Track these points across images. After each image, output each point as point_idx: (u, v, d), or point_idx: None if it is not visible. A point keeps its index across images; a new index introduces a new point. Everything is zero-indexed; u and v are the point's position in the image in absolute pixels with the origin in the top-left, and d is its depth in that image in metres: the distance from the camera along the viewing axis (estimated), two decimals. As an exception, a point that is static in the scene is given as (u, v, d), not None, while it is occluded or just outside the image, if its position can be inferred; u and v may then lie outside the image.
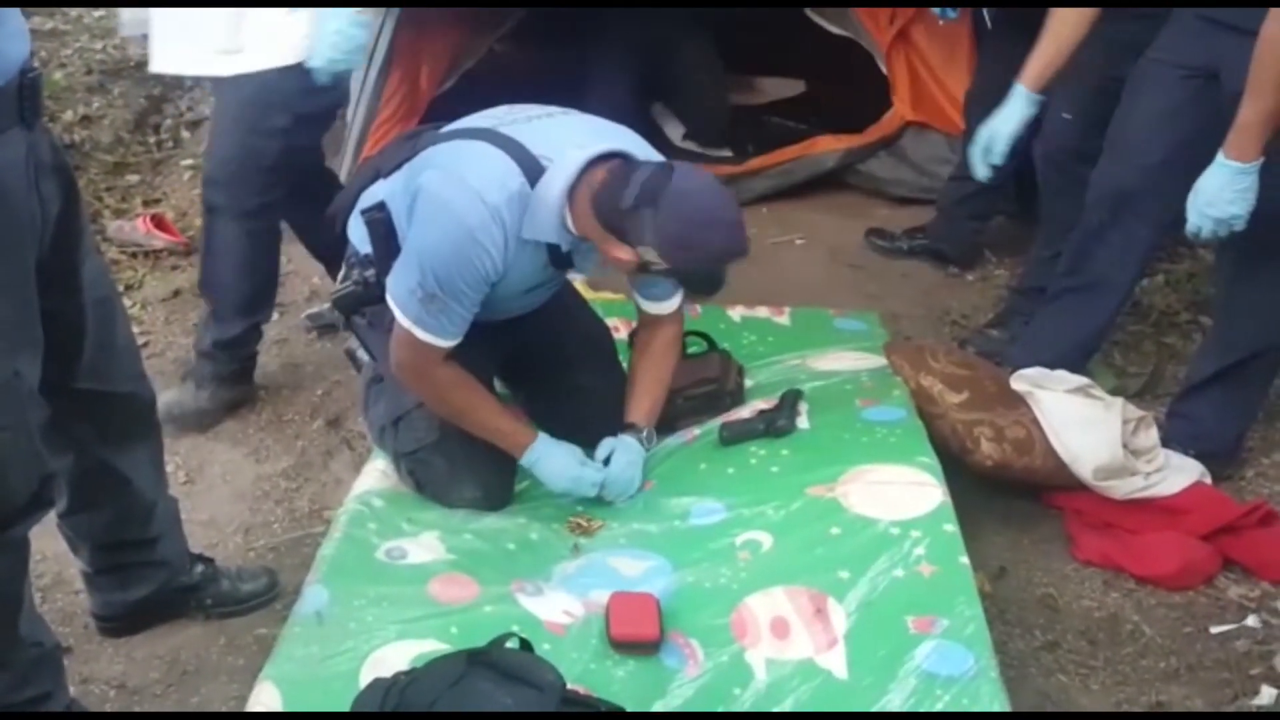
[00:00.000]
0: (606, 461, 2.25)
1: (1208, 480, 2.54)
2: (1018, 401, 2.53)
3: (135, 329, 3.17)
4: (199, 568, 2.28)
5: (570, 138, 2.10)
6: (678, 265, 2.01)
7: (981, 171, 2.72)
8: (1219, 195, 2.29)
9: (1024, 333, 2.96)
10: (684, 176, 2.04)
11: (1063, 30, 2.54)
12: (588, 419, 2.33)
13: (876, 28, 3.86)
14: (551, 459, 2.24)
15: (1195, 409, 2.63)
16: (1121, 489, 2.47)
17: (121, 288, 3.42)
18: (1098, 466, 2.44)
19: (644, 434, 2.31)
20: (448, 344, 2.10)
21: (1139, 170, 2.47)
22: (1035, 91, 2.61)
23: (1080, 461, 2.44)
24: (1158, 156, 2.48)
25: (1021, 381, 2.55)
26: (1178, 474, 2.50)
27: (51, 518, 2.12)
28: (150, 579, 2.21)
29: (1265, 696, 2.13)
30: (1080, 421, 2.46)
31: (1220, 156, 2.28)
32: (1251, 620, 2.30)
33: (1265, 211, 2.33)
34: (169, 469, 2.52)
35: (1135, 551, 2.41)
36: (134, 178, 4.13)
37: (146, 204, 3.97)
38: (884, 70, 3.90)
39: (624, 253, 2.02)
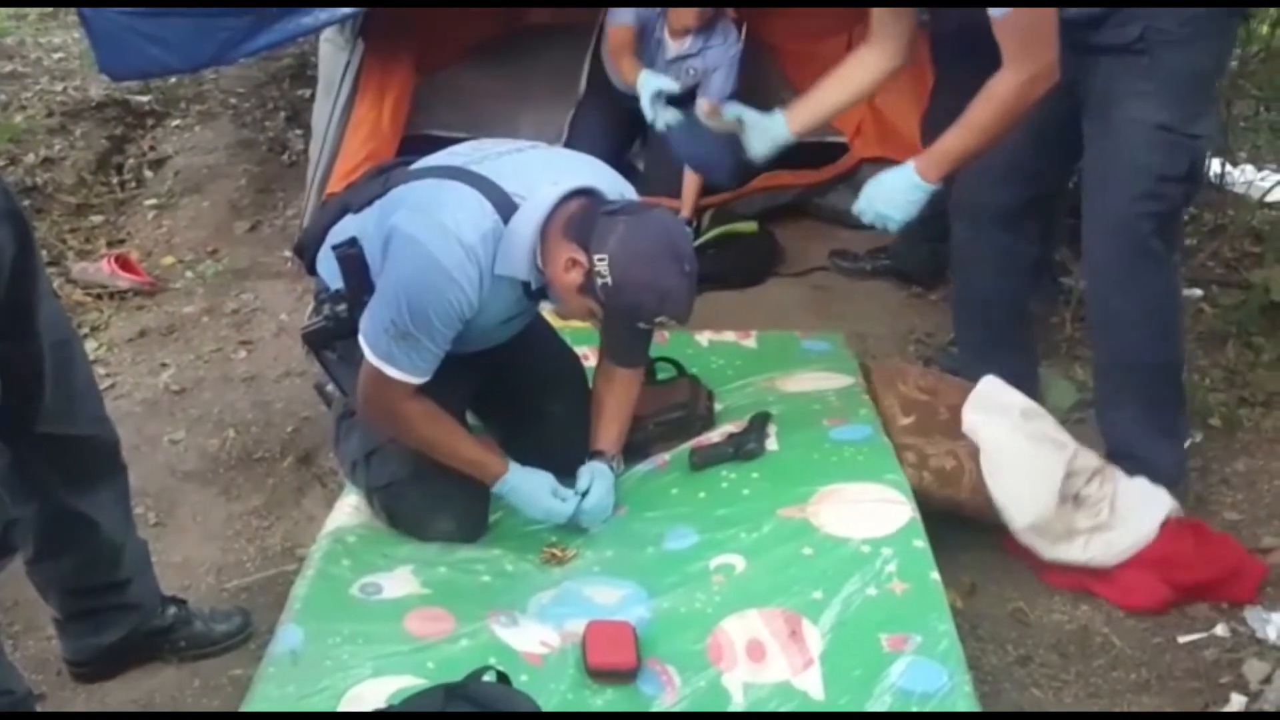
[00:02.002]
0: (585, 491, 2.26)
1: (1177, 513, 2.45)
2: (964, 436, 2.48)
3: (101, 370, 3.19)
4: (171, 609, 2.26)
5: (543, 173, 2.13)
6: (621, 286, 2.02)
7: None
8: (891, 195, 2.39)
9: (959, 343, 2.97)
10: (667, 214, 2.15)
11: (827, 95, 2.61)
12: (560, 447, 2.34)
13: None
14: (524, 488, 2.25)
15: (1138, 446, 2.55)
16: (1048, 551, 2.39)
17: (87, 329, 3.43)
18: (1021, 526, 2.39)
19: (612, 460, 2.33)
20: (417, 381, 2.10)
21: (1004, 185, 2.59)
22: (792, 127, 2.58)
23: (1008, 511, 2.39)
24: (1022, 169, 2.58)
25: (976, 411, 2.50)
26: (1123, 530, 2.41)
27: (21, 564, 2.11)
28: (122, 622, 2.19)
29: (1235, 704, 2.15)
30: (1019, 468, 2.40)
31: (910, 164, 2.37)
32: (1219, 629, 2.32)
33: (1115, 217, 2.40)
34: (138, 511, 2.51)
35: (1111, 581, 2.39)
36: (97, 218, 4.13)
37: (111, 244, 3.97)
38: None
39: (577, 255, 2.03)
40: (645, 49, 3.72)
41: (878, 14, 2.52)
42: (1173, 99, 2.34)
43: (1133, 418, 2.58)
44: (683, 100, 3.70)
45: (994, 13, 2.19)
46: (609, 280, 2.02)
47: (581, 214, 2.06)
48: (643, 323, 2.12)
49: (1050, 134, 2.47)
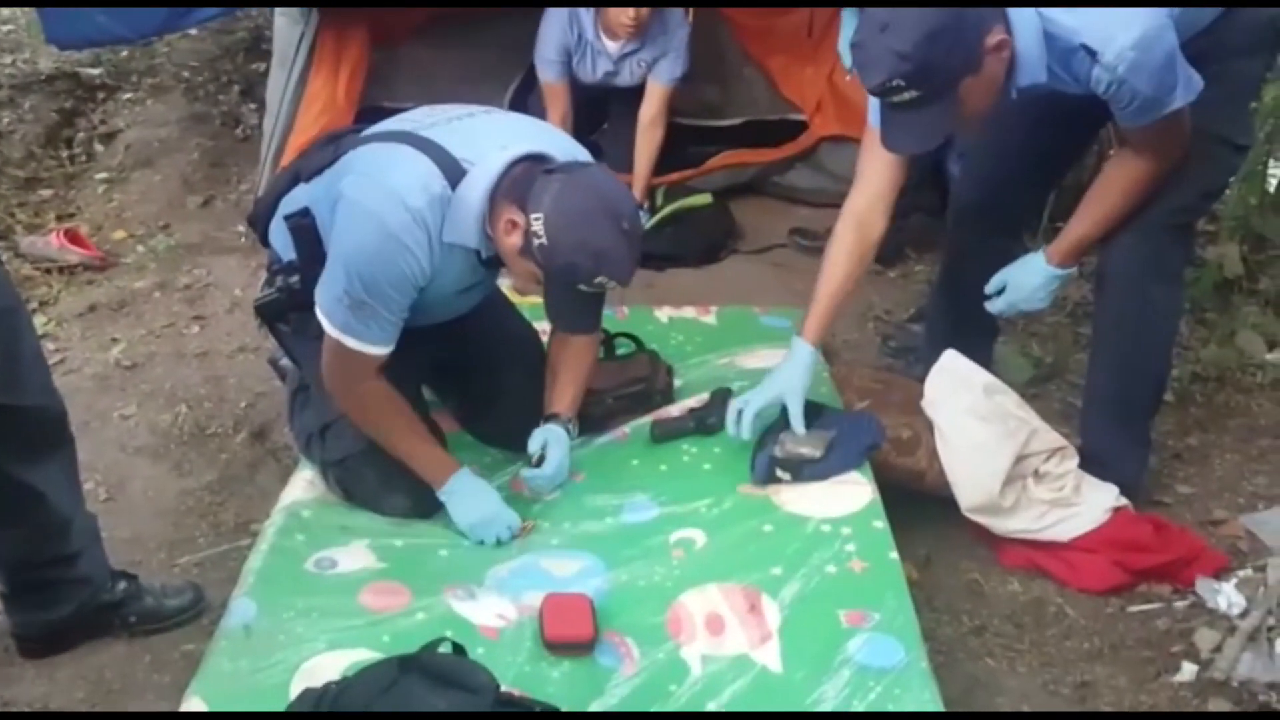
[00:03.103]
0: (540, 460, 2.23)
1: (1124, 502, 2.45)
2: (918, 411, 2.49)
3: (50, 345, 3.14)
4: (121, 584, 2.23)
5: (492, 138, 2.10)
6: (556, 245, 1.96)
7: (738, 430, 2.32)
8: (1034, 294, 2.42)
9: (926, 326, 2.98)
10: (607, 174, 2.09)
11: (836, 293, 2.38)
12: (517, 422, 2.32)
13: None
14: (465, 499, 2.18)
15: (1110, 454, 2.54)
16: (999, 527, 2.42)
17: (36, 304, 3.37)
18: (965, 508, 2.41)
19: (568, 424, 2.30)
20: (378, 351, 2.07)
21: (990, 185, 2.56)
22: (816, 345, 2.39)
23: (955, 490, 2.41)
24: (1005, 169, 2.55)
25: (937, 385, 2.49)
26: (1086, 510, 2.42)
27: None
28: (71, 597, 2.16)
29: (1186, 673, 2.18)
30: (966, 451, 2.40)
31: (1042, 260, 2.39)
32: (1171, 599, 2.36)
33: (1147, 226, 2.33)
34: (88, 486, 2.48)
35: (1065, 562, 2.41)
36: (47, 192, 4.06)
37: (60, 218, 3.90)
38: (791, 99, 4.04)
39: (515, 216, 1.98)
40: (582, 57, 3.66)
41: (866, 155, 2.37)
42: (1230, 107, 2.28)
43: (1111, 424, 2.57)
44: (629, 94, 3.71)
45: (1129, 122, 2.13)
46: (544, 240, 1.96)
47: (524, 176, 2.02)
48: (582, 284, 2.02)
49: (1075, 140, 2.45)
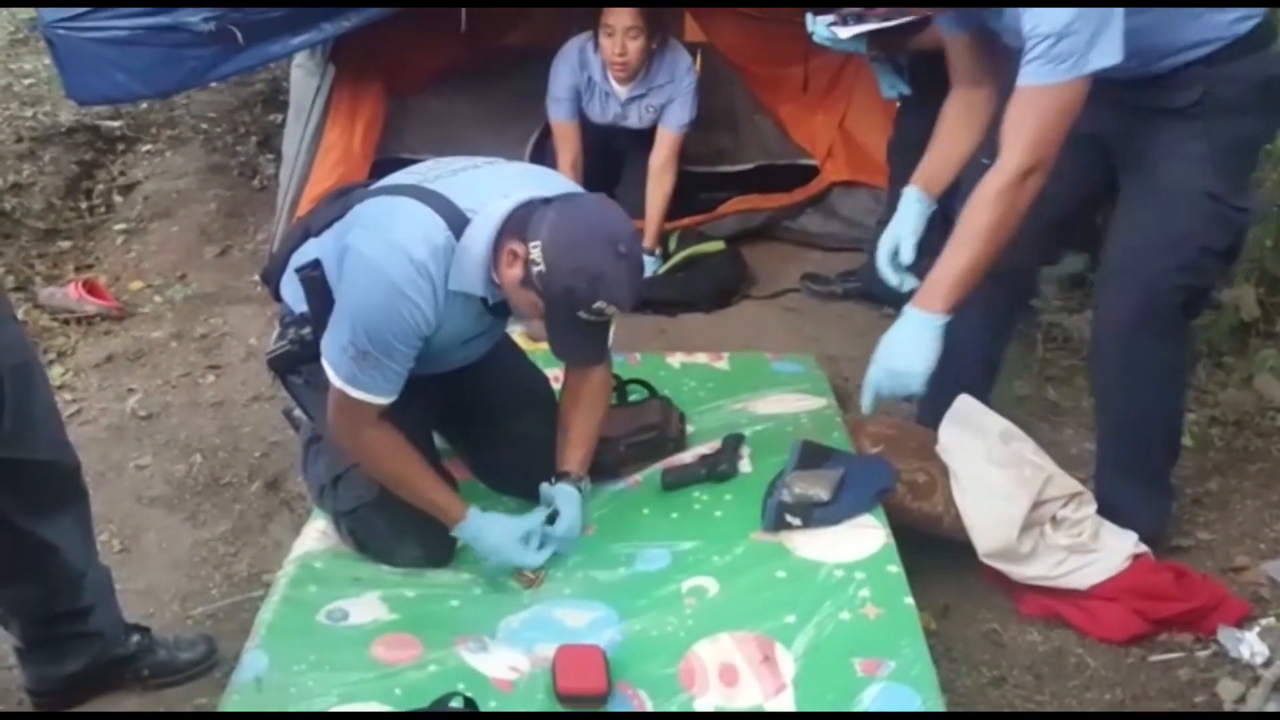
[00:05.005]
0: (553, 519, 2.21)
1: (1143, 549, 2.42)
2: (934, 456, 2.48)
3: (67, 395, 3.16)
4: (135, 637, 2.22)
5: (495, 187, 2.11)
6: (553, 271, 1.96)
7: (894, 279, 2.40)
8: (902, 348, 2.16)
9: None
10: (603, 201, 2.10)
11: (952, 146, 2.38)
12: (527, 469, 2.31)
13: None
14: (487, 536, 2.19)
15: (1125, 506, 2.49)
16: (1016, 573, 2.39)
17: (53, 354, 3.40)
18: (983, 553, 2.38)
19: (579, 482, 2.29)
20: (382, 401, 2.08)
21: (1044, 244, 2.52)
22: (929, 194, 2.41)
23: (974, 531, 2.39)
24: (1065, 227, 2.51)
25: (952, 430, 2.48)
26: (1104, 557, 2.39)
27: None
28: (84, 651, 2.16)
29: (1211, 724, 2.16)
30: (984, 496, 2.38)
31: (908, 307, 2.17)
32: (1193, 649, 2.33)
33: (1146, 285, 2.30)
34: (103, 537, 2.48)
35: (1085, 611, 2.38)
36: (66, 244, 4.09)
37: (78, 269, 3.93)
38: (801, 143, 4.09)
39: (516, 247, 1.99)
40: (591, 98, 3.73)
41: (953, 60, 2.36)
42: (1224, 166, 2.22)
43: (1126, 477, 2.53)
44: (641, 140, 3.76)
45: (1026, 80, 2.02)
46: (542, 267, 1.97)
47: (525, 211, 2.04)
48: (582, 311, 2.00)
49: (1086, 189, 2.39)
